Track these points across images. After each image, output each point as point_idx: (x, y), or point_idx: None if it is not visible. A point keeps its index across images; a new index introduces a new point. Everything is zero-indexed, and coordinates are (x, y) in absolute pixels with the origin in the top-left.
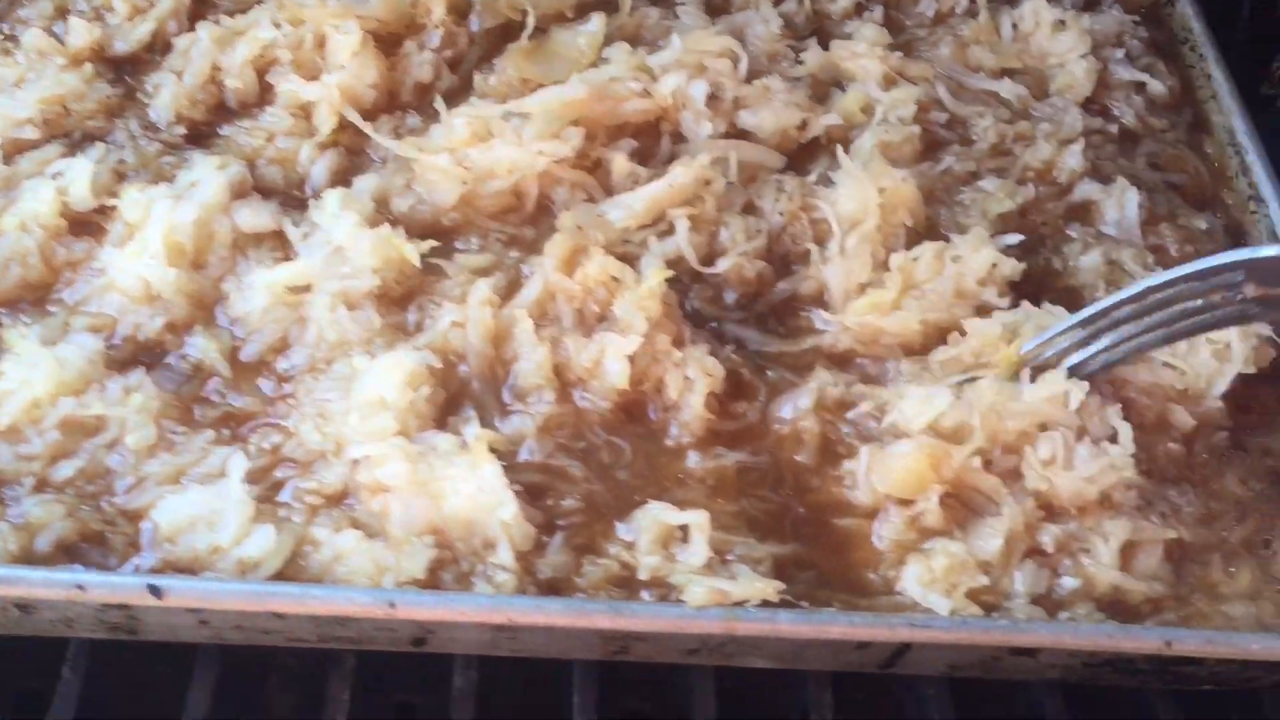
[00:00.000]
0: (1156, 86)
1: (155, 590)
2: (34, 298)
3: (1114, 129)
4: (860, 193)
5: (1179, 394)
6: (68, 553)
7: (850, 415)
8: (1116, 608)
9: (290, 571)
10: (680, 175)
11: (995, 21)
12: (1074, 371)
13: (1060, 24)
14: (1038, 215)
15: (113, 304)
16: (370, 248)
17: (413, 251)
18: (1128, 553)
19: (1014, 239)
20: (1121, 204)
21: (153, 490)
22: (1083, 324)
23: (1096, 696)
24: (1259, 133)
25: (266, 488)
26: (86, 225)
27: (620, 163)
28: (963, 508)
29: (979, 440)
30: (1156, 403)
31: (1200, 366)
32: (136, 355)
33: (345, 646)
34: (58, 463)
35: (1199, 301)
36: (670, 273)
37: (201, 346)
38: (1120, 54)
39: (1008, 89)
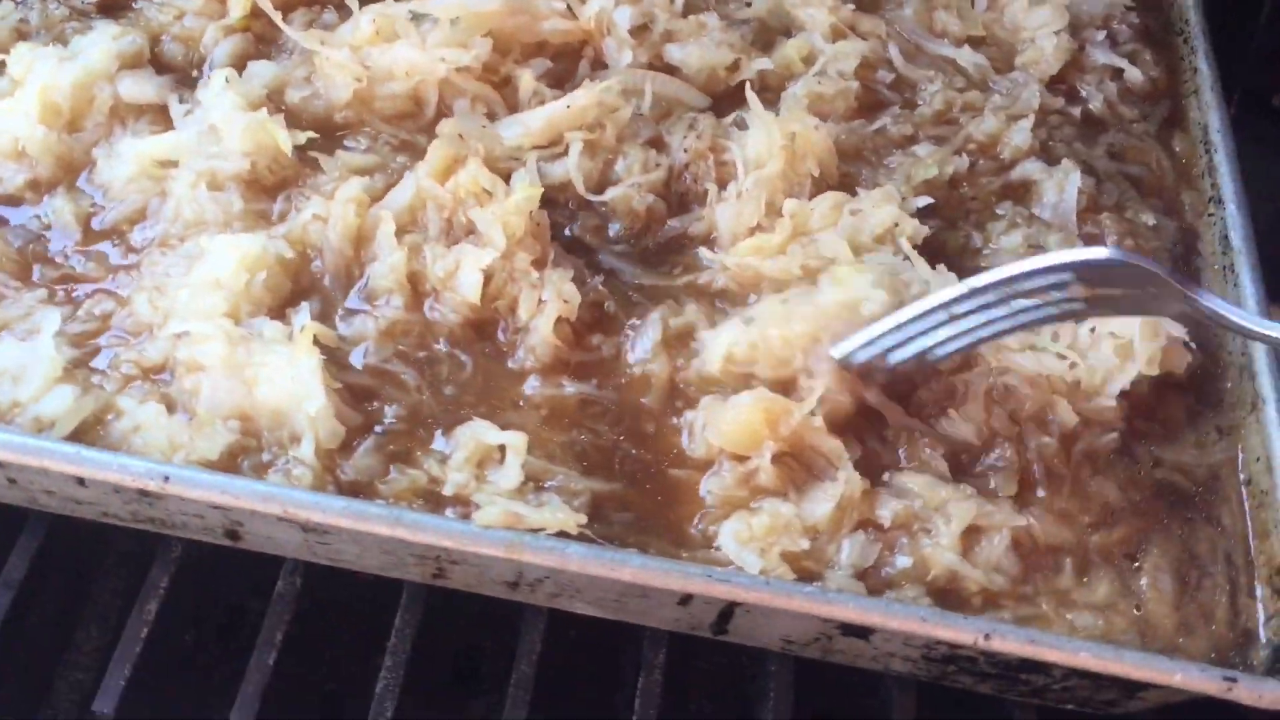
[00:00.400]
0: (1134, 74)
1: None
2: None
3: (1077, 112)
4: (767, 136)
5: (1068, 387)
6: None
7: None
8: (949, 597)
9: (89, 438)
10: (580, 97)
11: None
12: (894, 366)
13: None
14: (971, 189)
15: None
16: (243, 130)
17: (286, 140)
18: (970, 537)
19: (923, 201)
20: (1062, 186)
21: None
22: (908, 323)
23: (955, 702)
24: (1264, 146)
25: (86, 352)
26: None
27: (527, 80)
28: (802, 469)
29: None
30: (1039, 393)
31: (1098, 361)
32: None
33: (164, 531)
34: None
35: (1031, 301)
36: (539, 189)
37: (58, 208)
38: (1101, 36)
39: (966, 57)
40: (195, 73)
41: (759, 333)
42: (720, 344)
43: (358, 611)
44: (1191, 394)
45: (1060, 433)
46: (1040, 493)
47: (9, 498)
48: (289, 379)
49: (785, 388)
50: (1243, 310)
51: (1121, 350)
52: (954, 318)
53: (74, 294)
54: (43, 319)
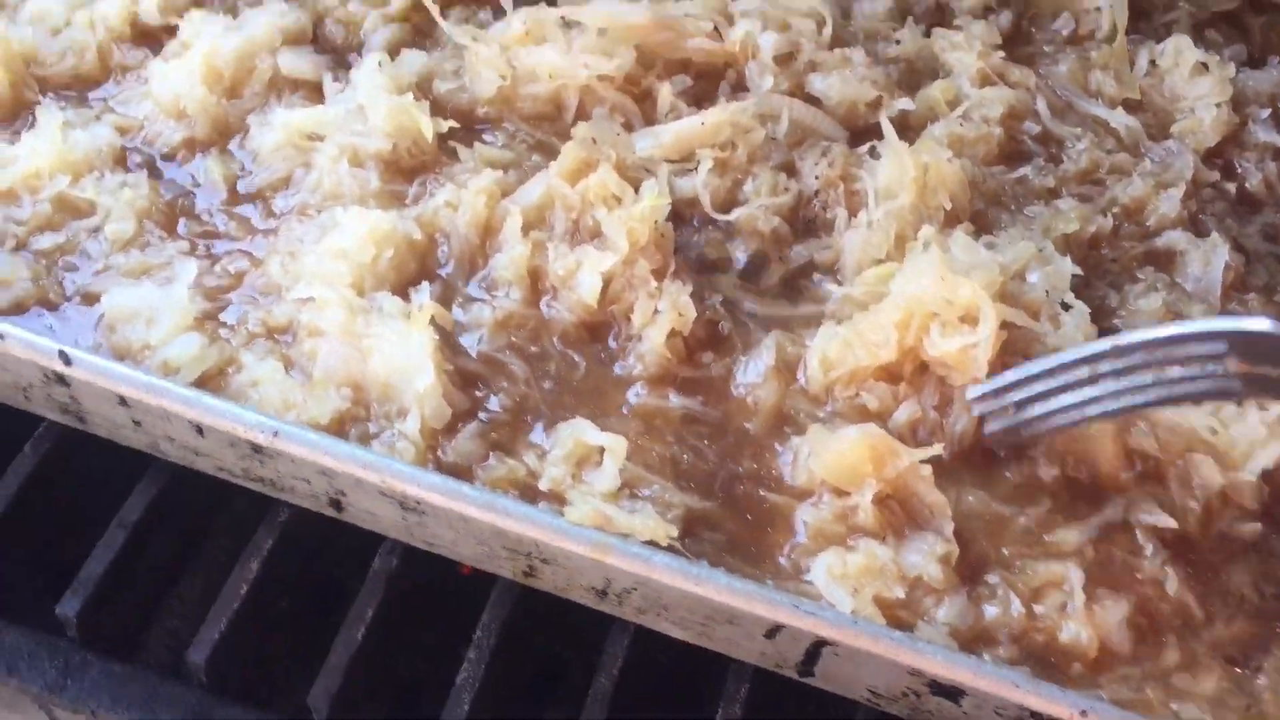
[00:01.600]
0: None
1: (65, 357)
2: (81, 89)
3: (1232, 188)
4: (899, 166)
5: (1206, 447)
6: (19, 309)
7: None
8: (1046, 664)
9: (210, 388)
10: (715, 115)
11: (1132, 53)
12: (1025, 427)
13: (1202, 67)
14: (1111, 251)
15: (144, 110)
16: (388, 112)
17: (428, 125)
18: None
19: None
20: (1208, 259)
21: (115, 279)
22: (1039, 377)
23: None
24: None
25: (217, 306)
26: (150, 38)
27: (665, 94)
28: (904, 515)
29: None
30: (1178, 443)
31: (1242, 433)
32: (149, 161)
33: (274, 494)
34: (42, 233)
35: (1178, 369)
36: (667, 200)
37: (209, 167)
38: (1266, 114)
39: (1120, 119)
40: (352, 55)
41: (851, 330)
42: (816, 351)
43: (449, 602)
44: None
45: (1205, 499)
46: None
47: (134, 441)
48: (402, 354)
49: (890, 374)
50: None
51: (1273, 427)
52: (1096, 378)
53: (213, 250)
54: (181, 269)
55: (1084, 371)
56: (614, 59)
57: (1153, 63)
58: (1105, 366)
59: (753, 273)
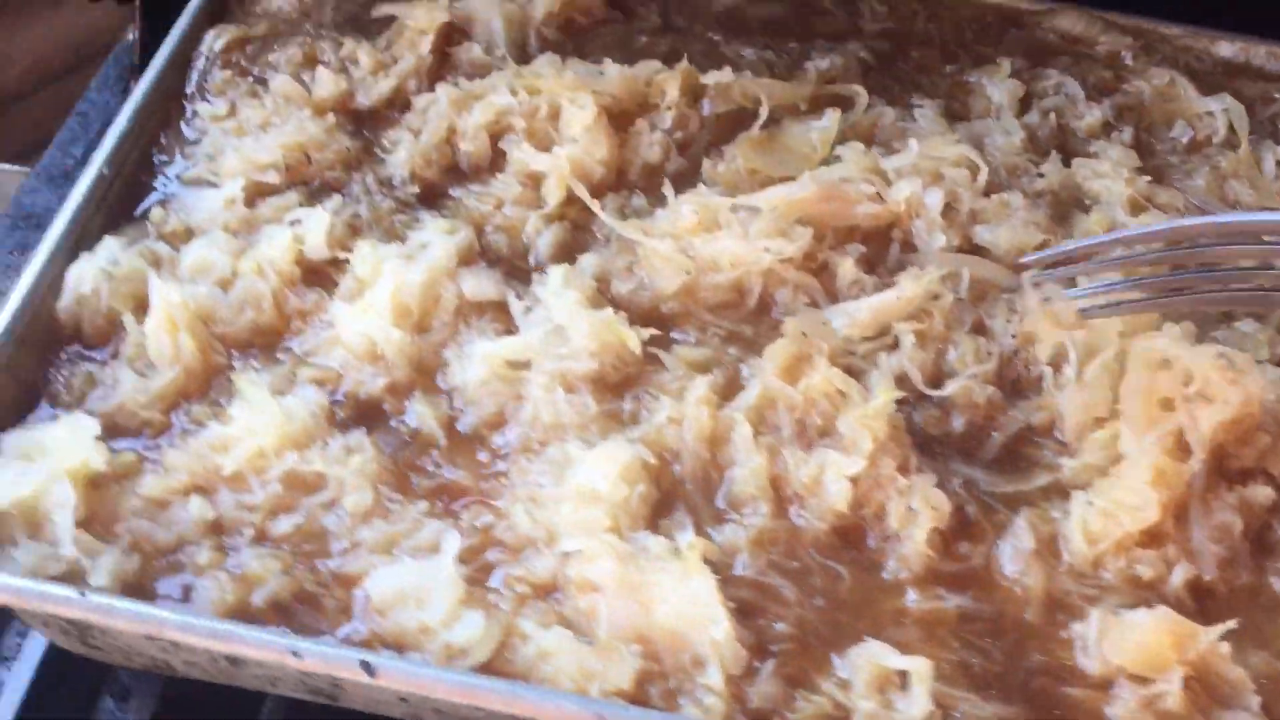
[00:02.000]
0: None
1: (368, 668)
2: (263, 343)
3: None
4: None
5: None
6: (280, 611)
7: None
8: None
9: (496, 663)
10: (909, 288)
11: (1256, 155)
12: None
13: None
14: None
15: (337, 359)
16: (590, 330)
17: (634, 339)
18: None
19: None
20: None
21: (365, 557)
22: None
23: None
24: None
25: (476, 569)
26: (318, 275)
27: (847, 268)
28: (1206, 694)
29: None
30: None
31: None
32: (357, 414)
33: None
34: (277, 516)
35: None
36: (901, 394)
37: (420, 413)
38: None
39: None
40: (520, 262)
41: (1105, 499)
42: (1076, 526)
43: None
44: None
45: None
46: None
47: (387, 711)
48: (685, 600)
49: (1155, 537)
50: None
51: None
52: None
53: (452, 507)
54: (440, 537)
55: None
56: (794, 240)
57: (1278, 164)
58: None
59: (975, 446)
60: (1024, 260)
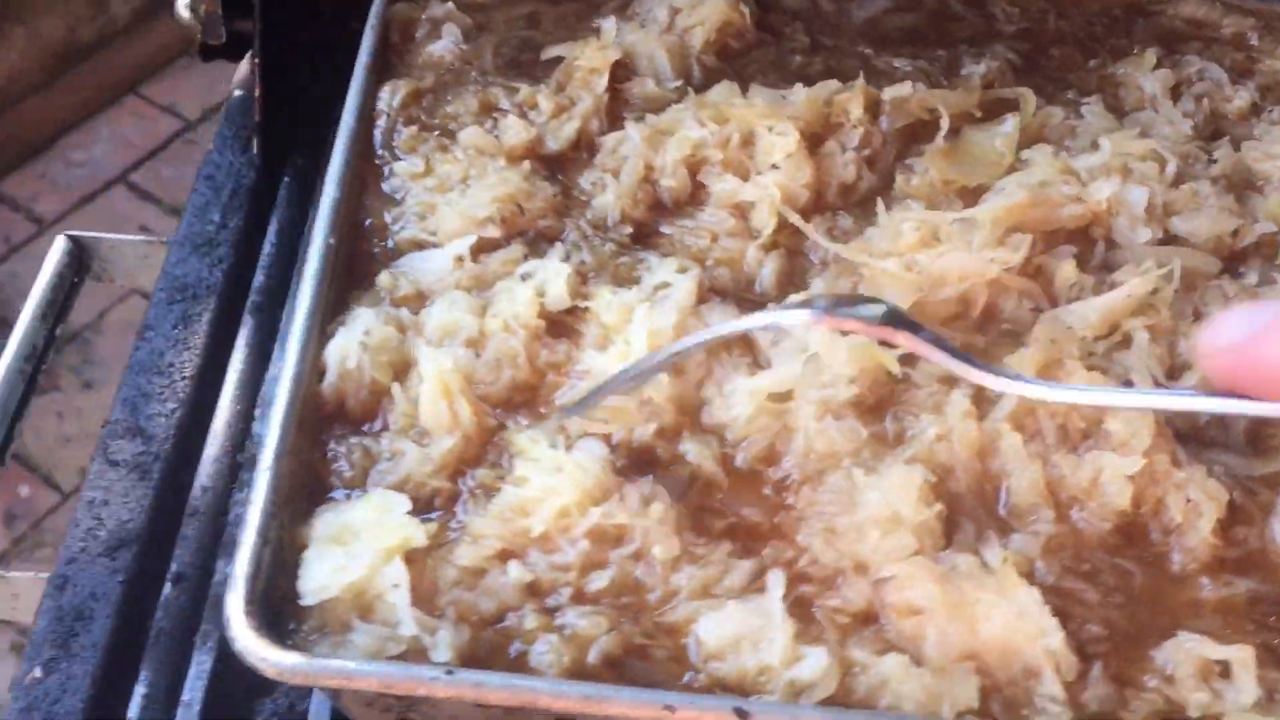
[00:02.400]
0: None
1: (742, 714)
2: (522, 400)
3: None
4: None
5: None
6: (613, 666)
7: None
8: None
9: (837, 695)
10: (1138, 285)
11: None
12: None
13: None
14: None
15: (602, 410)
16: (848, 355)
17: (893, 361)
18: None
19: None
20: None
21: (684, 604)
22: None
23: None
24: None
25: (792, 603)
26: (557, 326)
27: (1066, 270)
28: None
29: None
30: None
31: None
32: (633, 462)
33: None
34: (590, 573)
35: None
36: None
37: (699, 454)
38: None
39: None
40: (746, 294)
41: None
42: None
43: None
44: None
45: None
46: None
47: None
48: (1012, 613)
49: None
50: None
51: None
52: None
53: (748, 543)
54: (759, 576)
55: None
56: (1016, 249)
57: None
58: None
59: (1220, 434)
60: None
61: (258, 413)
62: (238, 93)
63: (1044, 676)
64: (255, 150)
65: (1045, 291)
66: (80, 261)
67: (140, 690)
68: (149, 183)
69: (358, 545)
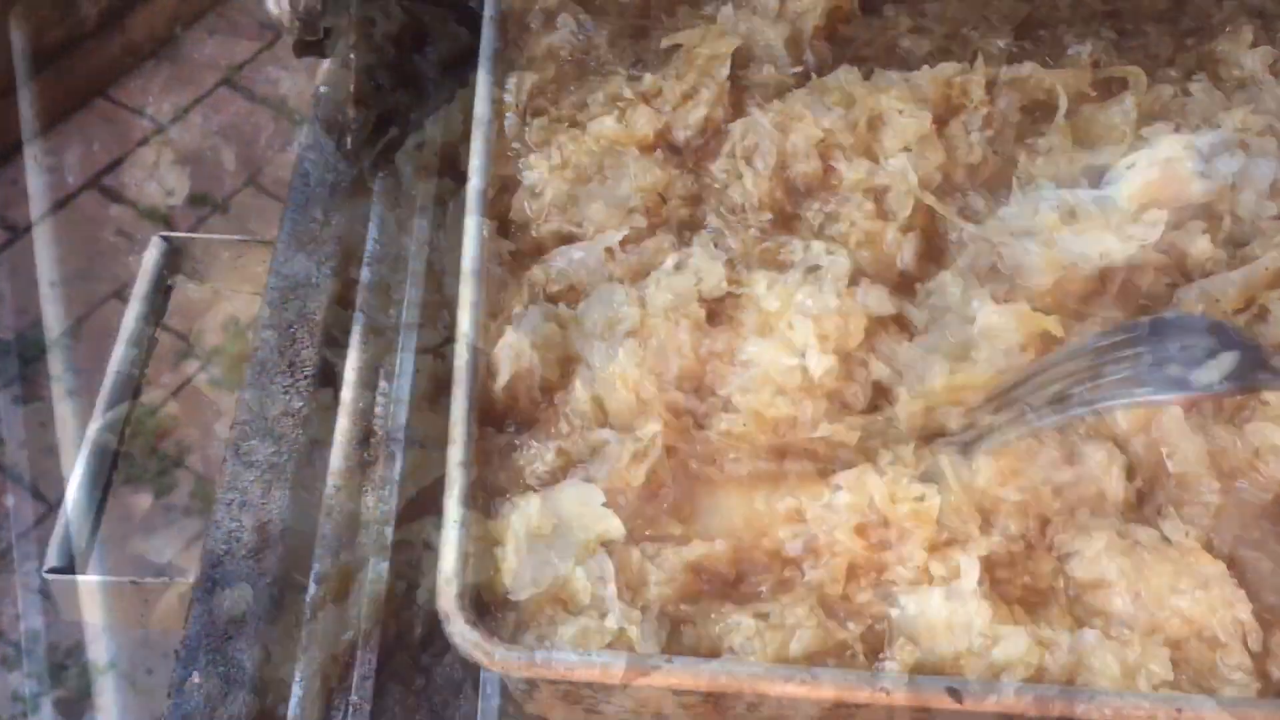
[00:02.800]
0: None
1: (955, 693)
2: (690, 388)
3: None
4: None
5: None
6: (811, 657)
7: None
8: None
9: (1033, 673)
10: (1276, 258)
11: None
12: None
13: None
14: None
15: (766, 396)
16: (1017, 324)
17: (1056, 323)
18: None
19: None
20: None
21: (885, 596)
22: None
23: None
24: None
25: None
26: (713, 315)
27: (1201, 245)
28: None
29: None
30: None
31: None
32: None
33: None
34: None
35: None
36: None
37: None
38: None
39: None
40: (889, 275)
41: None
42: None
43: None
44: None
45: None
46: None
47: None
48: (1198, 585)
49: None
50: None
51: None
52: None
53: None
54: (961, 565)
55: None
56: (1155, 226)
57: None
58: None
59: None
60: None
61: (379, 410)
62: (324, 89)
63: (1231, 647)
64: (349, 145)
65: (1180, 266)
66: (173, 262)
67: (297, 691)
68: (120, 186)
69: (560, 540)
